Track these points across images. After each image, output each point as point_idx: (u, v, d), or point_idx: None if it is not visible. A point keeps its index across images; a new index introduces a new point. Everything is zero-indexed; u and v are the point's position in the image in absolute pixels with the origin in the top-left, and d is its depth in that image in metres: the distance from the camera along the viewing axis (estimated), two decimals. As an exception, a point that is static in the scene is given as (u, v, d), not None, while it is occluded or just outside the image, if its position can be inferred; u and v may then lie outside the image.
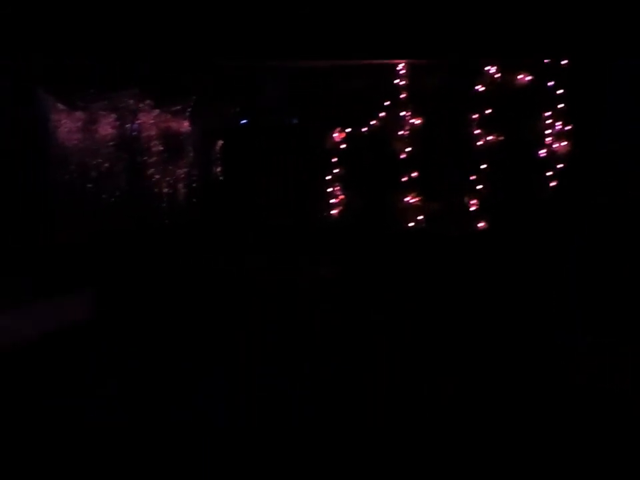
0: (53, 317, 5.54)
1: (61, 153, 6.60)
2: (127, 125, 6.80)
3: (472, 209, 6.79)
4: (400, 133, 6.89)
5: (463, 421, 5.24)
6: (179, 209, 6.85)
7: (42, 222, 6.30)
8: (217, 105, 6.92)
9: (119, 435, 4.92)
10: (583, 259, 6.46)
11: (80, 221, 6.50)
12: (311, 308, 6.08)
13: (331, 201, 6.91)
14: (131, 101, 6.77)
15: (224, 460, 4.81)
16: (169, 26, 6.20)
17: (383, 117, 6.91)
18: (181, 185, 6.90)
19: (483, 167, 6.78)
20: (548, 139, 6.73)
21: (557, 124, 6.74)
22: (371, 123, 6.91)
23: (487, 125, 6.79)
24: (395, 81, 6.88)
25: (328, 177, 6.91)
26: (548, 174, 6.72)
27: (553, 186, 6.71)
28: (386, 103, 6.89)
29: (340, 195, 6.92)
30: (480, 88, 6.79)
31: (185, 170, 6.92)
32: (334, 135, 6.92)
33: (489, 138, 6.79)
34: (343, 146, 6.93)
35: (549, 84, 6.71)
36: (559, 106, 6.72)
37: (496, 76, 6.77)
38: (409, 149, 6.86)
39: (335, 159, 6.92)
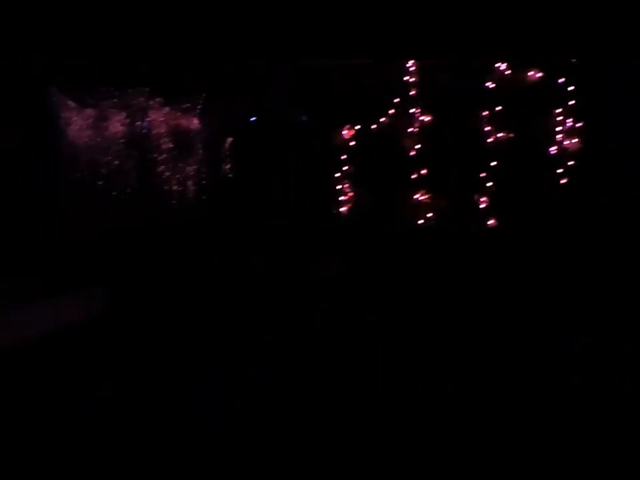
0: (50, 318, 5.58)
1: (72, 150, 6.65)
2: (137, 123, 6.83)
3: (481, 206, 6.75)
4: (409, 130, 6.87)
5: (461, 422, 5.23)
6: (188, 206, 6.88)
7: (52, 220, 6.35)
8: (226, 102, 6.92)
9: (113, 436, 4.94)
10: (579, 259, 6.42)
11: (90, 219, 6.55)
12: (311, 308, 6.08)
13: (340, 198, 6.90)
14: (141, 99, 6.80)
15: (219, 461, 4.82)
16: (177, 25, 6.22)
17: (392, 114, 6.88)
18: (190, 183, 6.92)
19: (492, 164, 6.74)
20: (559, 136, 6.68)
21: (567, 121, 6.68)
22: (380, 120, 6.89)
23: (497, 122, 6.74)
24: (405, 78, 6.85)
25: (337, 175, 6.91)
26: (558, 171, 6.67)
27: (563, 183, 6.67)
28: (395, 100, 6.87)
29: (349, 192, 6.92)
30: (490, 85, 6.74)
31: (195, 167, 6.95)
32: (343, 133, 6.91)
33: (499, 135, 6.74)
34: (352, 143, 6.92)
35: (560, 81, 6.65)
36: (570, 103, 6.66)
37: (506, 73, 6.72)
38: (418, 146, 6.84)
39: (344, 157, 6.91)
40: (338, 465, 4.84)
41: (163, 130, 6.86)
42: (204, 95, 6.87)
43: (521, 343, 6.05)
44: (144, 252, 6.47)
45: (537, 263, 6.50)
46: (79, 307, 5.88)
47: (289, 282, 6.16)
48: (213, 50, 6.39)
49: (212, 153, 7.00)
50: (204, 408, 5.32)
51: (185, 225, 6.79)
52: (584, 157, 6.58)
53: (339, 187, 6.90)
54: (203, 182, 6.96)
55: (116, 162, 6.73)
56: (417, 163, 6.83)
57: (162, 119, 6.86)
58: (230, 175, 7.01)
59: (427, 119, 6.84)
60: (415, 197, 6.82)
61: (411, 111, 6.84)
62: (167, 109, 6.88)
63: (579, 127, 6.65)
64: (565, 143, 6.67)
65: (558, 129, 6.68)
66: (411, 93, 6.85)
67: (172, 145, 6.88)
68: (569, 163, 6.66)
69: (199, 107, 6.91)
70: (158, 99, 6.82)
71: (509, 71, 6.70)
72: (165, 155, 6.86)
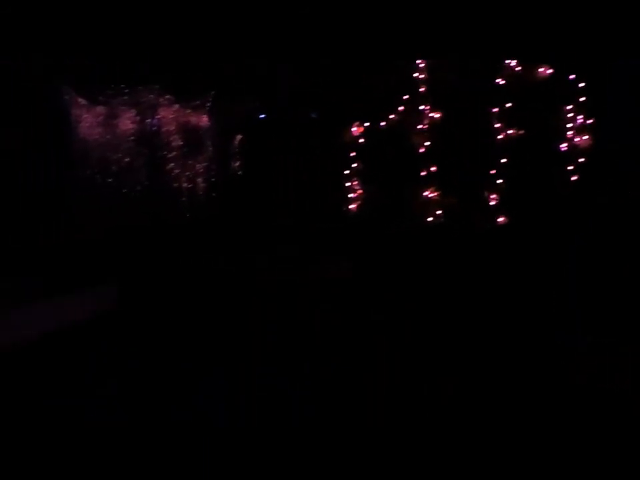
0: (54, 317, 5.59)
1: (82, 148, 6.68)
2: (147, 120, 6.85)
3: (491, 204, 6.72)
4: (419, 127, 6.84)
5: (463, 421, 5.21)
6: (197, 204, 6.89)
7: (58, 219, 6.38)
8: (235, 100, 6.93)
9: (119, 435, 4.94)
10: (583, 258, 6.38)
11: (97, 217, 6.57)
12: (317, 307, 6.07)
13: (349, 195, 6.89)
14: (151, 96, 6.81)
15: (224, 460, 4.82)
16: (186, 23, 6.25)
17: (401, 111, 6.86)
18: (199, 180, 6.93)
19: (502, 161, 6.71)
20: (569, 133, 6.63)
21: (578, 117, 6.63)
22: (390, 117, 6.87)
23: (507, 118, 6.71)
24: (414, 75, 6.82)
25: (346, 172, 6.89)
26: (569, 168, 6.63)
27: (574, 181, 6.62)
28: (405, 97, 6.85)
29: (358, 189, 6.90)
30: (500, 81, 6.70)
31: (204, 165, 6.95)
32: (352, 130, 6.90)
33: (509, 132, 6.71)
34: (362, 141, 6.90)
35: (570, 77, 6.61)
36: (581, 99, 6.61)
37: (516, 69, 6.68)
38: (427, 144, 6.82)
39: (353, 154, 6.90)
40: (342, 463, 4.84)
41: (172, 127, 6.88)
42: (213, 92, 6.88)
43: (526, 341, 6.03)
44: (150, 250, 6.48)
45: (544, 261, 6.46)
46: (85, 305, 5.89)
47: (295, 281, 6.15)
48: (221, 47, 6.42)
49: (221, 150, 7.00)
50: (209, 406, 5.32)
51: (192, 222, 6.79)
52: (594, 154, 6.55)
53: (348, 184, 6.89)
54: (212, 179, 6.97)
55: (125, 159, 6.75)
56: (426, 160, 6.81)
57: (171, 116, 6.87)
58: (239, 173, 7.01)
59: (436, 115, 6.81)
60: (424, 194, 6.79)
61: (421, 107, 6.82)
62: (177, 106, 6.89)
63: (589, 123, 6.60)
64: (576, 139, 6.63)
65: (568, 125, 6.63)
66: (420, 90, 6.83)
67: (181, 143, 6.89)
68: (580, 160, 6.62)
69: (208, 104, 6.92)
70: (168, 97, 6.83)
71: (519, 68, 6.66)
72: (174, 153, 6.88)
